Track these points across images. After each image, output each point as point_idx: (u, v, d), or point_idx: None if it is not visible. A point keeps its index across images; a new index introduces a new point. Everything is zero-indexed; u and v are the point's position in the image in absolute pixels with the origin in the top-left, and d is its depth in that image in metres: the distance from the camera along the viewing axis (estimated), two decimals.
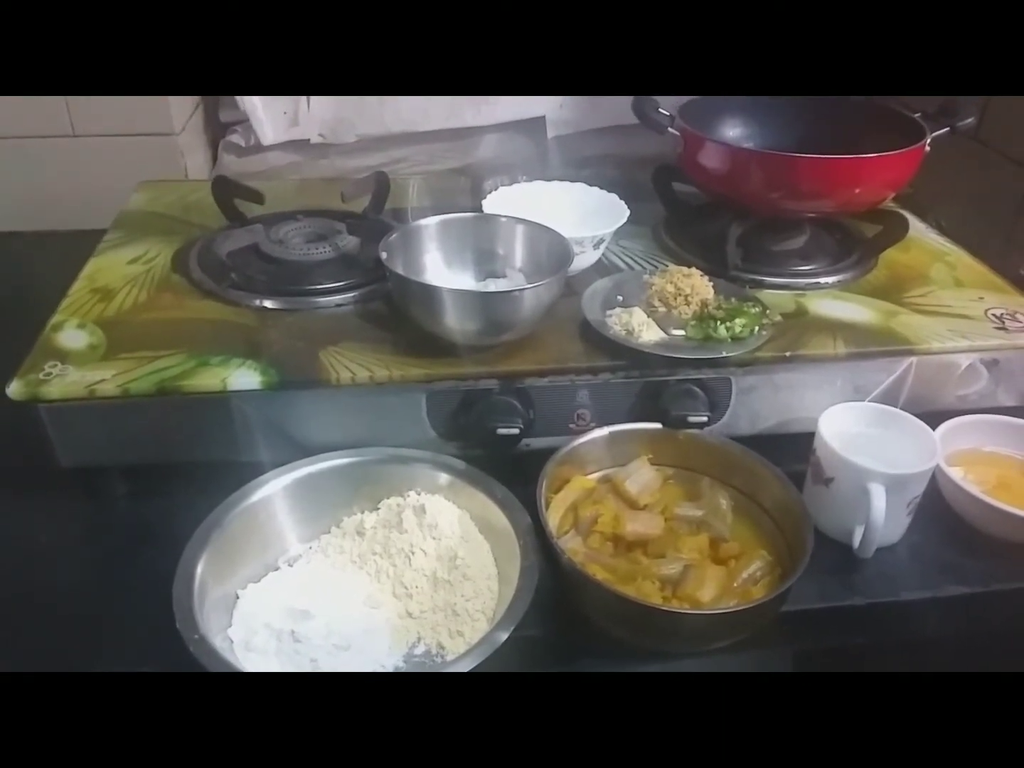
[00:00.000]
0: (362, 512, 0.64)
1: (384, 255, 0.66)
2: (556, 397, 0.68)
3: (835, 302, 0.77)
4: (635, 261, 0.84)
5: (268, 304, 0.72)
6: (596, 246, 0.77)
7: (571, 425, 0.69)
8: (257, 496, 0.62)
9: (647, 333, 0.69)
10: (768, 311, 0.72)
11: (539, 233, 0.73)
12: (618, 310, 0.72)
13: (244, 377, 0.64)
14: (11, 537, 0.65)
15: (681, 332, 0.71)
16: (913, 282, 0.81)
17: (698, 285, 0.74)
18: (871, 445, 0.65)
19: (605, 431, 0.68)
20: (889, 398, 0.72)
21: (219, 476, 0.66)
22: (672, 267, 0.77)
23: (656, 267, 0.81)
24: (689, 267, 0.76)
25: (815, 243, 0.86)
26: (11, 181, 1.06)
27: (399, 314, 0.70)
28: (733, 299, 0.73)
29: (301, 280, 0.74)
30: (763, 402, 0.71)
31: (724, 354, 0.67)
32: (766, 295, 0.77)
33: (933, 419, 0.68)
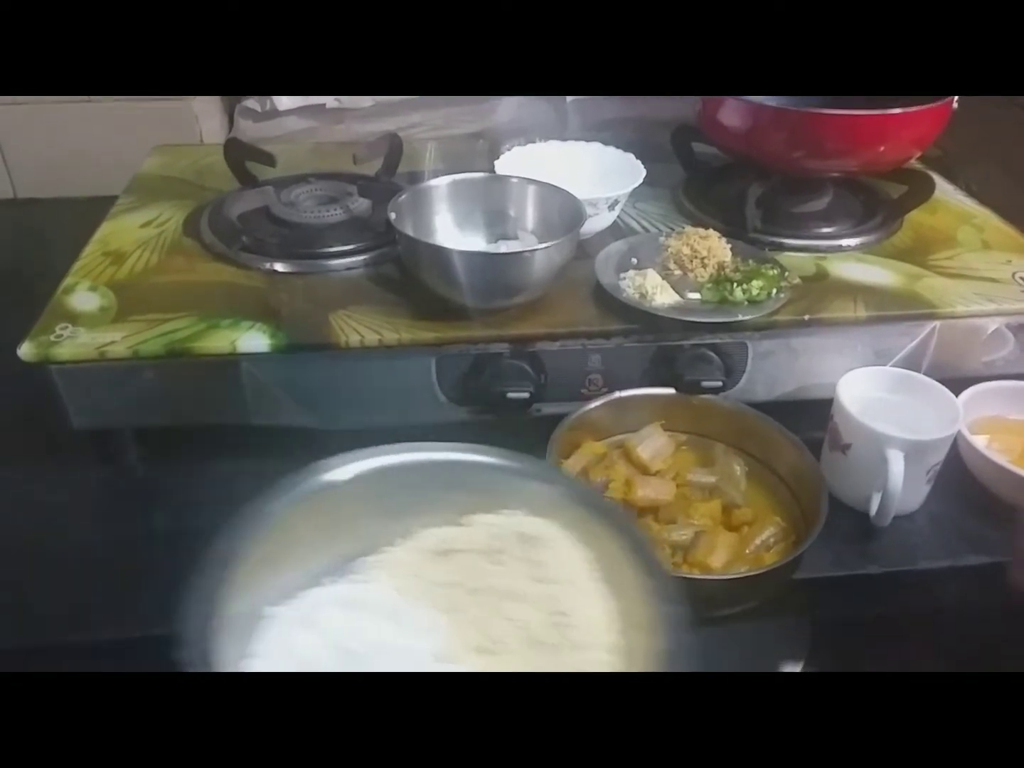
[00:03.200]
0: (440, 526, 0.49)
1: (393, 216, 0.65)
2: (568, 362, 0.67)
3: (857, 265, 0.75)
4: (652, 224, 0.82)
5: (278, 267, 0.72)
6: (611, 207, 0.76)
7: (583, 390, 0.68)
8: (306, 488, 0.46)
9: (661, 296, 0.68)
10: (787, 273, 0.70)
11: (550, 194, 0.71)
12: (632, 273, 0.70)
13: (253, 339, 0.63)
14: (24, 500, 0.66)
15: (697, 295, 0.69)
16: (939, 245, 0.79)
17: (715, 247, 0.72)
18: (891, 411, 0.63)
19: (617, 396, 0.67)
20: (911, 363, 0.70)
21: (231, 440, 0.67)
22: (688, 229, 0.75)
23: (673, 230, 0.79)
24: (707, 229, 0.75)
25: (838, 204, 0.83)
26: (27, 147, 1.06)
27: (410, 277, 0.69)
28: (751, 261, 0.72)
29: (311, 243, 0.73)
30: (781, 367, 0.70)
31: (740, 317, 0.66)
32: (786, 258, 0.75)
33: (958, 386, 0.67)
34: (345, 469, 0.48)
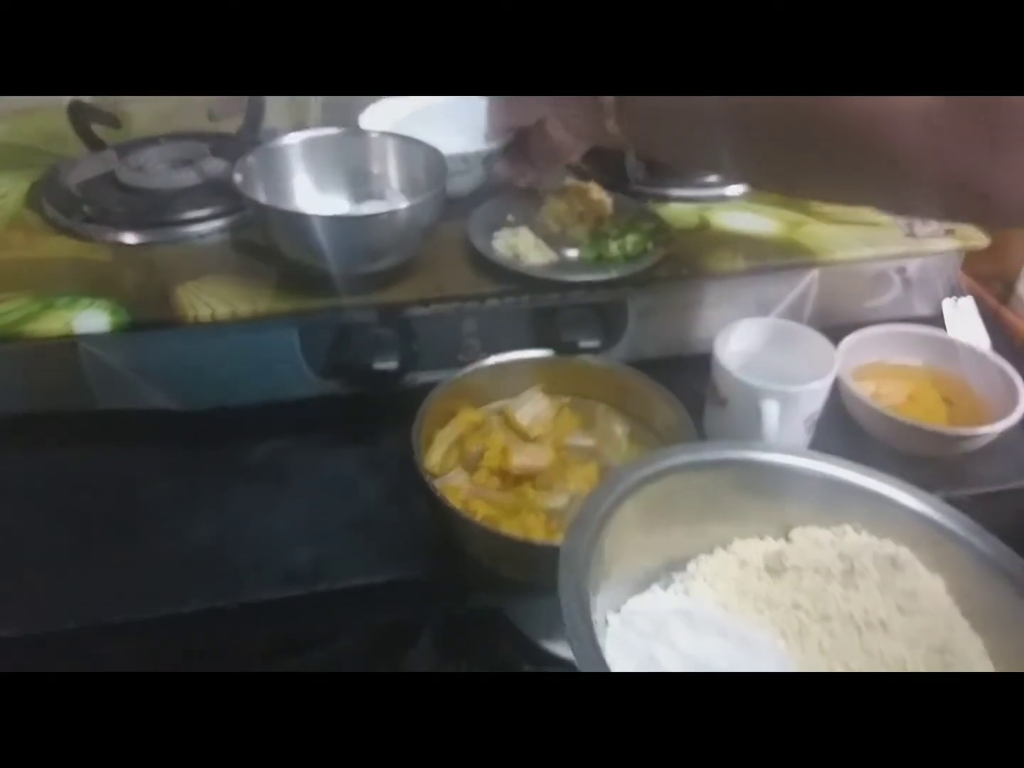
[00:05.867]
0: (762, 537, 0.46)
1: (239, 178, 0.60)
2: (441, 327, 0.64)
3: (740, 214, 0.73)
4: None
5: (125, 238, 0.66)
6: (485, 163, 0.72)
7: (460, 356, 0.65)
8: (627, 486, 0.43)
9: (535, 255, 0.65)
10: (664, 226, 0.68)
11: (413, 149, 0.66)
12: (505, 231, 0.67)
13: (92, 318, 0.58)
14: None
15: (576, 253, 0.67)
16: None
17: (594, 202, 0.69)
18: (769, 362, 0.62)
19: (492, 361, 0.64)
20: (794, 313, 0.69)
21: (80, 428, 0.62)
22: (568, 182, 0.71)
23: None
24: (587, 182, 0.71)
25: None
26: None
27: (269, 243, 0.64)
28: (630, 215, 0.69)
29: (161, 210, 0.68)
30: (663, 323, 0.68)
31: (614, 274, 0.63)
32: (670, 209, 0.72)
33: (845, 333, 0.66)
34: (660, 464, 0.45)
